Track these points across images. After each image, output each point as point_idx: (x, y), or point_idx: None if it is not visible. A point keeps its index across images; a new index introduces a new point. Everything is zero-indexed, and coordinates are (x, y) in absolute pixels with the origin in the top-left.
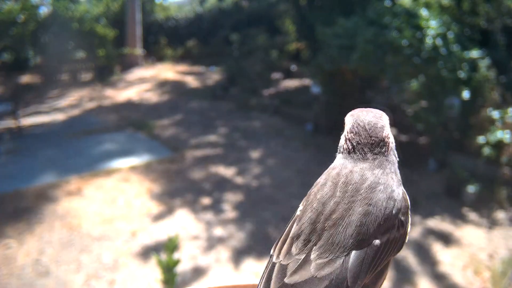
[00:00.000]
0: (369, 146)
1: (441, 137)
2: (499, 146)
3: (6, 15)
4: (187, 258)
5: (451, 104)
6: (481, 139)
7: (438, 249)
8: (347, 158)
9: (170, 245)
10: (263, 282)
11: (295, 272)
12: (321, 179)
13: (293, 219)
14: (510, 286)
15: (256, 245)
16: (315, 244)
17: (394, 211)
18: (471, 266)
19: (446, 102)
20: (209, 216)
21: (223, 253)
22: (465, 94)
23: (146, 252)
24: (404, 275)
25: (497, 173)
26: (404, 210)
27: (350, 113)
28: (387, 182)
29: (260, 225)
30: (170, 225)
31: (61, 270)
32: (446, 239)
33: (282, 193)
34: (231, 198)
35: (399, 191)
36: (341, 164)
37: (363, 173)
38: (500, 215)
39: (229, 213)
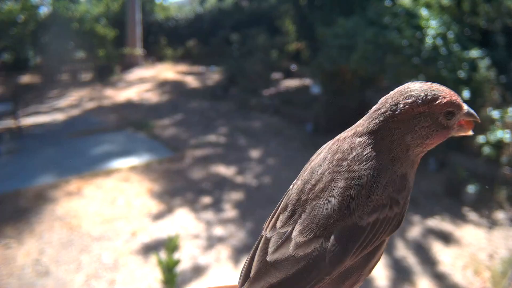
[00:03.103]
0: (385, 107)
1: None
2: (499, 145)
3: (6, 15)
4: (187, 257)
5: None
6: (481, 139)
7: (438, 249)
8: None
9: (170, 245)
10: (249, 257)
11: (276, 249)
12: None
13: (286, 192)
14: (510, 286)
15: None
16: (299, 217)
17: (384, 188)
18: (471, 266)
19: None
20: (209, 215)
21: (223, 252)
22: (465, 94)
23: (146, 252)
24: (404, 275)
25: (497, 173)
26: (399, 187)
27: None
28: (377, 156)
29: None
30: (170, 224)
31: (61, 270)
32: (446, 239)
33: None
34: (231, 197)
35: (395, 169)
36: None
37: (354, 141)
38: (500, 215)
39: (229, 212)
